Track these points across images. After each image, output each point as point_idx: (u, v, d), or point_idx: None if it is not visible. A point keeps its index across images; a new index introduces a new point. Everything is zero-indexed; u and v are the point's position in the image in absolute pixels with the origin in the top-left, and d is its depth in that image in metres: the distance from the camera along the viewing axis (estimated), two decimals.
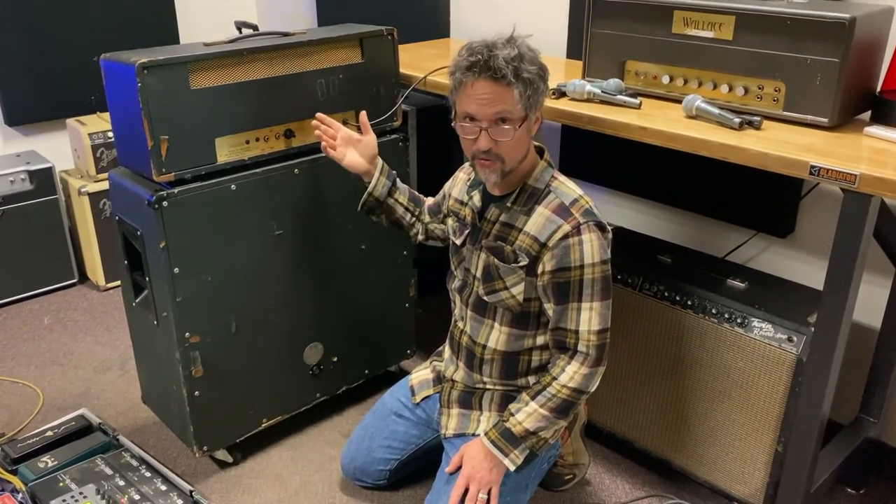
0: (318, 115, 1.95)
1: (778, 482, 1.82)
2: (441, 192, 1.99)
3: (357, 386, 2.38)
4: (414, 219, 2.03)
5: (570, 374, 1.67)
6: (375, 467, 2.00)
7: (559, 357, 1.70)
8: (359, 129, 1.97)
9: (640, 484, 2.11)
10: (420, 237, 2.05)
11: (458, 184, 1.89)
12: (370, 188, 1.95)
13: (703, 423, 1.96)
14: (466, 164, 1.88)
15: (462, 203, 1.83)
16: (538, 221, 1.65)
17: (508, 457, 1.71)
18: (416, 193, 2.05)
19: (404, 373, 2.11)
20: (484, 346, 1.81)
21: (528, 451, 1.70)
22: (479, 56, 1.55)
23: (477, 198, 1.77)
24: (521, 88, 1.56)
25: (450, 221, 1.89)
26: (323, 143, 1.94)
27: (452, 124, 1.67)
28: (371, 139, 1.96)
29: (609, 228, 1.67)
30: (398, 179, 2.01)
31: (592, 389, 1.69)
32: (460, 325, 1.88)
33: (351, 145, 1.94)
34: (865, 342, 2.06)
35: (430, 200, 2.05)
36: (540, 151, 1.74)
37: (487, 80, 1.55)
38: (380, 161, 1.98)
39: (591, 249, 1.61)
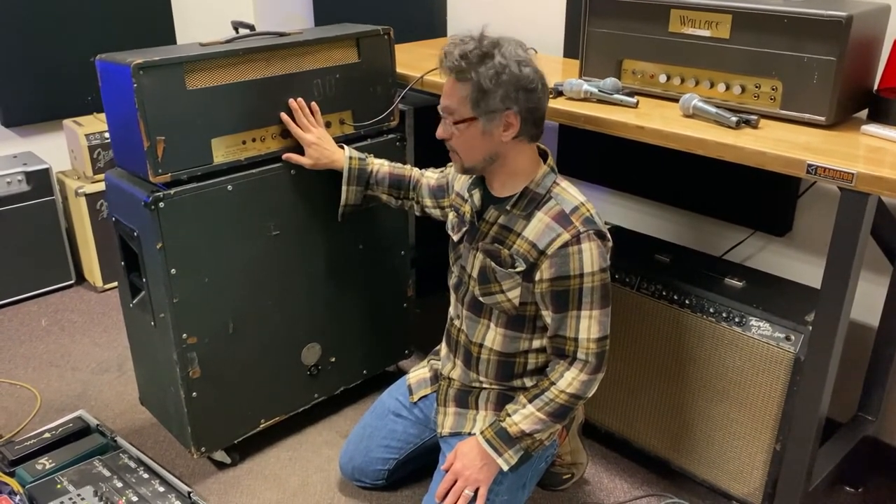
0: (299, 101, 1.94)
1: (776, 481, 1.82)
2: (444, 176, 1.96)
3: (355, 386, 2.38)
4: (401, 200, 2.01)
5: (568, 379, 1.66)
6: (374, 467, 2.00)
7: (558, 362, 1.70)
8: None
9: (638, 483, 2.11)
10: (416, 213, 2.04)
11: (460, 178, 1.87)
12: (343, 201, 1.96)
13: (701, 423, 1.96)
14: None
15: (463, 199, 1.82)
16: (537, 227, 1.64)
17: (502, 456, 1.70)
18: (399, 174, 2.00)
19: (402, 373, 2.11)
20: (480, 345, 1.80)
21: (523, 451, 1.71)
22: (450, 45, 1.58)
23: (477, 197, 1.76)
24: (469, 88, 1.57)
25: (451, 216, 1.88)
26: (285, 155, 1.95)
27: None
28: (322, 131, 1.96)
29: (609, 237, 1.66)
30: (373, 171, 1.98)
31: (590, 395, 1.69)
32: (457, 323, 1.88)
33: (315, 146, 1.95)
34: (863, 340, 2.06)
35: (431, 178, 1.99)
36: (543, 155, 1.72)
37: (447, 70, 1.59)
38: (346, 162, 1.96)
39: (591, 258, 1.60)
